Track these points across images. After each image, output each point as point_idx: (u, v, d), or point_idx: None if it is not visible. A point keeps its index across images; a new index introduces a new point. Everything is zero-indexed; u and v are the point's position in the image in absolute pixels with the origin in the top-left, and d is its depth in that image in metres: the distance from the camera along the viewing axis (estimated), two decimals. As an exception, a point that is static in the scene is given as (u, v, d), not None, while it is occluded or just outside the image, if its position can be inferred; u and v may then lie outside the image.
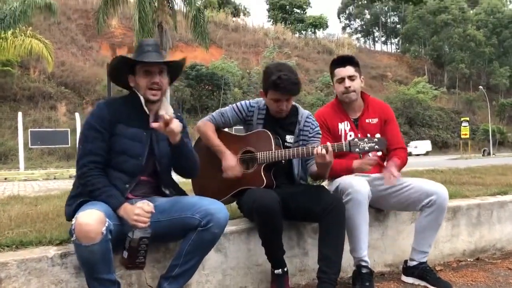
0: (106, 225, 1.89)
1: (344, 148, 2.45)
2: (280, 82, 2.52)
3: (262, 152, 2.56)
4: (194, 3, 20.45)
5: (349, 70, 2.84)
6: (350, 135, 2.85)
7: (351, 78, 2.84)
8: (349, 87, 2.83)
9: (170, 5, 21.06)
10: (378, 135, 2.45)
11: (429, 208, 2.64)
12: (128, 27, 27.32)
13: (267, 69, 2.65)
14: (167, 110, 2.29)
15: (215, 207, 2.13)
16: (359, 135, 2.79)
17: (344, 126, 2.88)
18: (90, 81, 29.08)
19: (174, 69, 2.37)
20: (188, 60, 29.44)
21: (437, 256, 3.13)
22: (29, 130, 17.39)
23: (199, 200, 2.19)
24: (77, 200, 2.11)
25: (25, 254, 2.09)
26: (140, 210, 2.01)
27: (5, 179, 12.74)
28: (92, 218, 1.86)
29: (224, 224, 2.14)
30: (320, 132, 2.75)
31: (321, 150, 2.41)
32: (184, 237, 2.14)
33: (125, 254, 2.01)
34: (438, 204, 2.62)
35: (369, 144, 2.43)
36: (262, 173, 2.55)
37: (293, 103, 2.71)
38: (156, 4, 20.23)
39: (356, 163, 2.67)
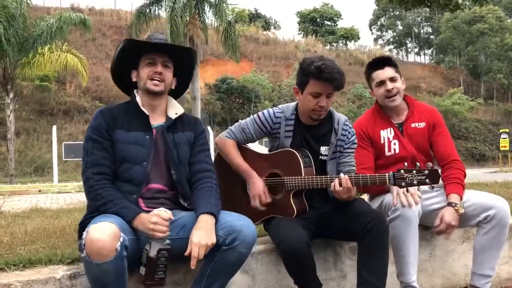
0: (121, 240, 1.68)
1: (388, 181, 2.07)
2: (325, 67, 2.17)
3: (290, 178, 2.24)
4: (225, 17, 20.55)
5: (388, 71, 2.57)
6: (395, 143, 2.53)
7: (392, 79, 2.56)
8: (392, 89, 2.54)
9: (201, 19, 21.20)
10: (429, 164, 2.08)
11: (487, 224, 2.31)
12: (160, 42, 27.79)
13: (306, 59, 2.29)
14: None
15: (241, 223, 1.88)
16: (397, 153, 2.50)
17: (387, 134, 2.56)
18: (124, 95, 29.50)
19: (182, 68, 2.17)
20: (219, 73, 29.74)
21: (494, 280, 2.75)
22: (63, 143, 17.67)
23: (223, 215, 1.94)
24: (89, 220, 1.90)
25: (32, 274, 1.91)
26: (157, 217, 1.79)
27: (39, 191, 12.89)
28: (106, 233, 1.66)
29: (252, 242, 1.89)
30: (356, 142, 2.41)
31: (338, 185, 2.09)
32: (207, 257, 1.88)
33: (142, 270, 1.80)
34: (498, 219, 2.29)
35: (418, 178, 2.02)
36: (292, 201, 2.24)
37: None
38: (187, 18, 20.42)
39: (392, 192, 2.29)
